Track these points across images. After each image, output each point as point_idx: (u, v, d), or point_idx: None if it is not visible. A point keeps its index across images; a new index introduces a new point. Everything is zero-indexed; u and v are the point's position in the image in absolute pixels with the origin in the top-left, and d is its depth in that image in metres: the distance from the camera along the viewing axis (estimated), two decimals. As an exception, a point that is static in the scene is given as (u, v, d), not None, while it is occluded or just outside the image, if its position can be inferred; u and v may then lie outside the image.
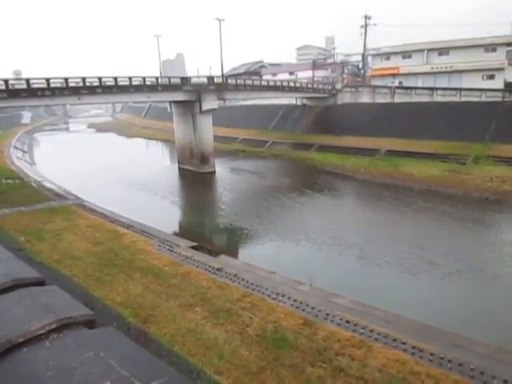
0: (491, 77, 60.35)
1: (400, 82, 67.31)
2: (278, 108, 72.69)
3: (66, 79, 38.25)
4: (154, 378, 5.25)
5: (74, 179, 42.52)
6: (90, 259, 18.61)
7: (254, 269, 18.49)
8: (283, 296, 15.37)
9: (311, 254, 23.43)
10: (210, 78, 50.18)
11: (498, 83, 58.55)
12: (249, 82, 57.08)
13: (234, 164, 55.06)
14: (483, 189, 35.69)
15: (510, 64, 61.51)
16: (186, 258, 19.26)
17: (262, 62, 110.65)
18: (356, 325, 13.44)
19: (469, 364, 11.53)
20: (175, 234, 26.58)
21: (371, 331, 13.10)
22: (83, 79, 39.35)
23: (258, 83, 59.16)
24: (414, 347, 12.28)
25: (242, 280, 16.81)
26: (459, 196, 35.14)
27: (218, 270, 17.75)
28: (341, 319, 13.79)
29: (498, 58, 60.38)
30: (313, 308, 14.49)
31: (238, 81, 56.16)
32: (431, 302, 17.85)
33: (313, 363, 11.22)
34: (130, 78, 42.92)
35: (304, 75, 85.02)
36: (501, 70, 60.25)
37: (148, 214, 30.05)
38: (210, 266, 18.16)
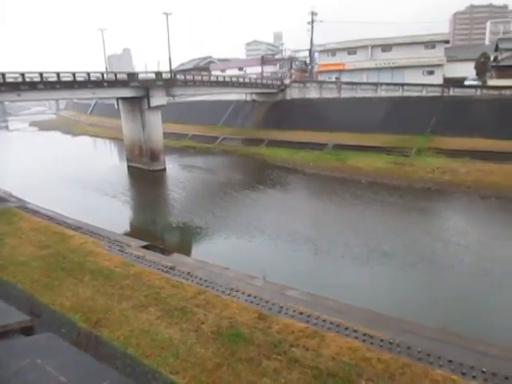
0: (431, 72, 63.32)
1: (337, 78, 69.26)
2: (228, 104, 72.55)
3: (3, 74, 36.09)
4: (95, 382, 5.13)
5: (15, 180, 40.47)
6: (35, 264, 17.82)
7: (207, 266, 18.45)
8: (237, 291, 15.47)
9: (266, 249, 23.65)
10: (158, 74, 49.20)
11: (437, 79, 61.53)
12: (198, 78, 56.51)
13: (184, 161, 54.46)
14: (426, 180, 37.49)
15: (448, 61, 64.76)
16: (138, 257, 18.90)
17: (210, 57, 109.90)
18: (309, 316, 13.77)
19: (416, 347, 12.15)
20: (126, 234, 25.97)
21: (324, 321, 13.47)
22: (22, 74, 37.27)
23: (207, 79, 58.72)
24: (365, 334, 12.76)
25: (196, 277, 16.73)
26: (404, 187, 36.68)
27: (170, 268, 17.57)
28: (294, 311, 14.08)
29: (437, 54, 63.43)
30: (267, 302, 14.69)
31: (187, 76, 55.51)
32: (386, 292, 18.51)
33: (268, 356, 11.40)
34: (74, 74, 41.18)
35: (253, 71, 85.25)
36: (440, 66, 63.33)
37: (97, 214, 29.17)
38: (162, 265, 17.93)
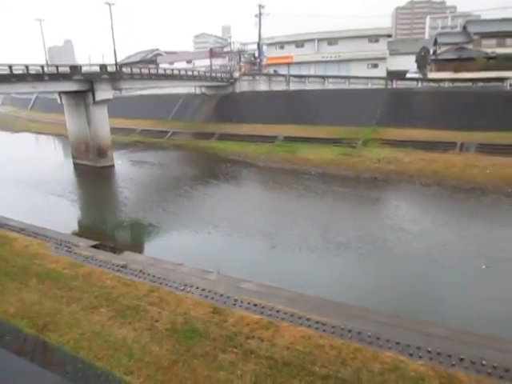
0: (375, 66, 65.33)
1: (275, 71, 70.17)
2: (177, 97, 71.47)
3: None
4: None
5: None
6: (-26, 270, 16.87)
7: (160, 262, 18.21)
8: (191, 287, 15.41)
9: (221, 244, 23.56)
10: (103, 67, 47.56)
11: (381, 71, 63.59)
12: (145, 71, 55.16)
13: (134, 156, 53.15)
14: (372, 169, 38.81)
15: (391, 54, 67.06)
16: (87, 258, 18.35)
17: (157, 49, 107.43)
18: (263, 307, 13.97)
19: (366, 331, 12.65)
20: (75, 234, 25.09)
21: (278, 311, 13.72)
22: (-49, 67, 34.89)
23: (155, 72, 57.48)
24: (317, 322, 13.13)
25: (149, 275, 16.50)
26: (352, 177, 37.80)
27: (122, 267, 17.21)
28: (249, 303, 14.23)
29: (381, 48, 65.49)
30: (221, 295, 14.75)
31: (134, 69, 54.02)
32: (340, 280, 18.99)
33: (224, 350, 11.48)
34: (11, 66, 38.87)
35: (202, 64, 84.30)
36: (383, 59, 65.45)
37: (43, 214, 27.96)
38: (113, 264, 17.52)
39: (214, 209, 29.97)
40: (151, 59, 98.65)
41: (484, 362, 11.22)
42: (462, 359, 11.38)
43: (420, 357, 11.52)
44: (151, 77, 55.01)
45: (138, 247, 23.06)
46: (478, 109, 44.87)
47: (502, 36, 58.88)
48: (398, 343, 12.11)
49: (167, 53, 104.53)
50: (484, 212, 28.37)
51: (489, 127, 41.72)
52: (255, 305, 14.09)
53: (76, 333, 12.17)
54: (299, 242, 23.19)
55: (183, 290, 15.21)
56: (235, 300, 14.44)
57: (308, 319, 13.24)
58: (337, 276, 19.58)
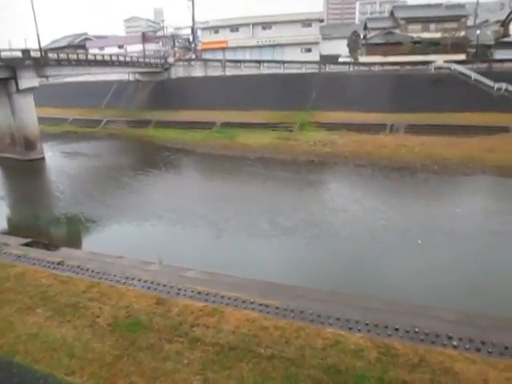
0: (309, 50, 66.35)
1: (197, 56, 69.82)
2: (109, 84, 68.63)
3: None
4: None
5: None
6: None
7: (99, 257, 17.65)
8: (133, 279, 15.12)
9: (164, 234, 23.16)
10: (26, 52, 44.39)
11: (314, 56, 64.73)
12: (73, 57, 52.15)
13: (66, 147, 50.63)
14: (309, 152, 39.76)
15: (323, 39, 68.36)
16: (19, 256, 17.38)
17: (86, 34, 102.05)
18: (208, 294, 14.03)
19: (308, 310, 13.10)
20: (3, 232, 23.61)
21: (222, 297, 13.84)
22: None
23: (84, 57, 54.58)
24: (261, 305, 13.40)
25: (87, 270, 15.96)
26: (290, 161, 38.52)
27: (58, 264, 16.49)
28: (193, 291, 14.22)
29: (313, 32, 66.53)
30: (164, 286, 14.61)
31: (61, 55, 50.83)
32: (286, 263, 19.23)
33: (169, 340, 11.42)
34: None
35: (134, 49, 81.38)
36: (316, 44, 66.60)
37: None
38: (48, 262, 16.73)
39: (155, 199, 29.33)
40: (79, 44, 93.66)
41: (417, 330, 12.03)
42: (397, 329, 12.13)
43: (359, 330, 12.14)
44: (80, 63, 52.26)
45: (75, 243, 22.16)
46: (406, 91, 47.21)
47: (426, 21, 61.93)
48: (338, 319, 12.67)
49: (96, 37, 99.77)
50: (416, 189, 30.09)
51: (416, 109, 44.11)
52: (199, 292, 14.11)
53: (10, 337, 11.56)
54: (245, 228, 23.16)
55: (125, 283, 14.88)
56: (179, 289, 14.37)
57: (252, 303, 13.48)
58: (285, 261, 19.69)
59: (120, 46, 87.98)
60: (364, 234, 21.85)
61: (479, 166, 33.42)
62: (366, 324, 12.40)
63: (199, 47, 76.40)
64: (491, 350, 11.19)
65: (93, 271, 15.87)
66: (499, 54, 56.03)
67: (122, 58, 58.18)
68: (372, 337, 11.74)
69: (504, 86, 45.13)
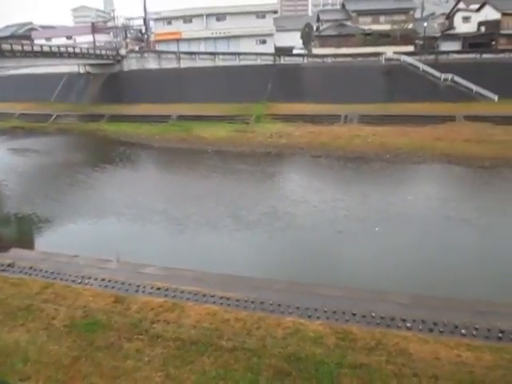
0: (263, 42, 66.37)
1: (141, 48, 68.90)
2: (59, 77, 65.88)
3: None
4: None
5: None
6: None
7: (53, 256, 17.08)
8: (89, 278, 14.77)
9: (122, 231, 22.56)
10: (-36, 43, 41.79)
11: (269, 48, 64.84)
12: (18, 48, 49.25)
13: (14, 144, 48.26)
14: (266, 144, 39.98)
15: (277, 30, 68.56)
16: (-35, 260, 16.55)
17: (31, 23, 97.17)
18: (167, 290, 13.94)
19: (268, 301, 13.29)
20: None
21: (182, 292, 13.80)
22: None
23: (30, 49, 51.85)
24: (222, 298, 13.48)
25: (41, 271, 15.43)
26: (248, 153, 38.58)
27: (8, 265, 15.84)
28: (152, 288, 14.09)
29: (268, 24, 66.55)
30: (123, 283, 14.38)
31: (4, 46, 48.03)
32: (248, 256, 19.18)
33: (129, 338, 11.28)
34: None
35: (84, 40, 78.25)
36: (270, 35, 66.70)
37: None
38: (-2, 264, 16.05)
39: (113, 196, 28.42)
40: (24, 34, 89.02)
41: (373, 314, 12.51)
42: (354, 314, 12.56)
43: (318, 317, 12.46)
44: (26, 54, 49.61)
45: (27, 243, 21.17)
46: (359, 83, 48.30)
47: (376, 14, 63.41)
48: (297, 308, 12.94)
49: (43, 27, 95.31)
50: (371, 178, 30.94)
51: (368, 99, 45.27)
52: (158, 288, 14.00)
53: (-43, 345, 11.05)
54: (207, 223, 22.85)
55: (81, 282, 14.52)
56: (138, 286, 14.20)
57: (212, 296, 13.52)
58: (249, 254, 19.60)
59: (68, 37, 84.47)
60: (325, 224, 22.23)
61: (429, 155, 34.80)
62: (325, 311, 12.75)
63: (152, 39, 74.60)
64: (442, 330, 11.81)
65: (46, 272, 15.37)
66: (445, 46, 58.45)
67: (71, 50, 55.84)
68: (331, 323, 12.08)
69: (450, 76, 47.10)
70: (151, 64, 62.18)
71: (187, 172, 34.06)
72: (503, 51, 51.76)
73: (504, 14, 56.23)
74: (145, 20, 75.17)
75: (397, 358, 10.56)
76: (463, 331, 11.66)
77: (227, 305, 13.08)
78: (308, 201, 25.86)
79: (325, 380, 9.91)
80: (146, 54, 63.87)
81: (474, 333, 11.61)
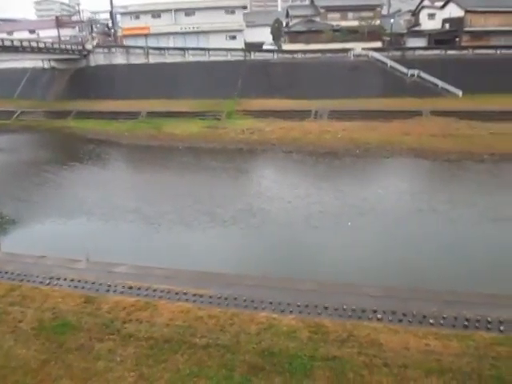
0: (233, 37, 66.02)
1: (118, 42, 67.57)
2: (22, 72, 63.70)
3: None
4: None
5: None
6: None
7: (19, 258, 16.56)
8: (58, 279, 14.41)
9: (92, 230, 21.96)
10: None
11: (239, 43, 64.56)
12: (-24, 42, 47.66)
13: (-26, 142, 46.48)
14: (237, 140, 39.90)
15: (247, 26, 68.33)
16: None
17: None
18: (139, 288, 13.76)
19: (242, 297, 13.31)
20: None
21: (155, 291, 13.65)
22: None
23: (-11, 43, 50.00)
24: (195, 295, 13.40)
25: (6, 273, 14.95)
26: (220, 149, 38.42)
27: (-29, 268, 15.28)
28: (124, 287, 13.88)
29: (237, 19, 66.22)
30: (93, 283, 14.10)
31: (-39, 40, 46.25)
32: (221, 252, 19.04)
33: (101, 338, 11.09)
34: None
35: (48, 34, 75.91)
36: (240, 31, 66.44)
37: None
38: (-41, 267, 15.45)
39: (83, 195, 27.49)
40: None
41: (345, 307, 12.71)
42: (326, 307, 12.72)
43: (291, 312, 12.57)
44: (-15, 49, 47.89)
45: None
46: (328, 78, 48.81)
47: (344, 10, 63.98)
48: (270, 303, 13.01)
49: (3, 20, 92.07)
50: (342, 173, 31.49)
51: (338, 95, 45.78)
52: (130, 287, 13.81)
53: None
54: (182, 222, 22.60)
55: (49, 283, 14.15)
56: (109, 286, 13.95)
57: (185, 293, 13.43)
58: (226, 252, 19.42)
59: (31, 31, 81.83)
60: (300, 220, 22.37)
61: (397, 149, 35.55)
62: (298, 305, 12.86)
63: (119, 33, 73.10)
64: (411, 320, 12.12)
65: (12, 273, 14.91)
66: (411, 42, 59.67)
67: (34, 44, 54.03)
68: (303, 317, 12.21)
69: (416, 72, 48.18)
70: (119, 59, 60.94)
71: (159, 170, 33.63)
72: (466, 48, 53.32)
73: (467, 12, 57.75)
74: (111, 14, 73.63)
75: (368, 349, 10.78)
76: (431, 321, 11.99)
77: (200, 302, 13.02)
78: (283, 197, 25.97)
79: (298, 373, 10.03)
80: (113, 49, 62.51)
81: (442, 322, 11.96)
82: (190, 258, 17.78)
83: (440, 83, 46.95)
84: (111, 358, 10.39)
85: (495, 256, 17.57)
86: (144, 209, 24.36)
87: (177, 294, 13.41)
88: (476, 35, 57.80)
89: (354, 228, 21.11)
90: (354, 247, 19.01)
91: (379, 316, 12.31)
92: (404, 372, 10.06)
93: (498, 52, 51.18)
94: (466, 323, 11.87)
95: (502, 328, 11.61)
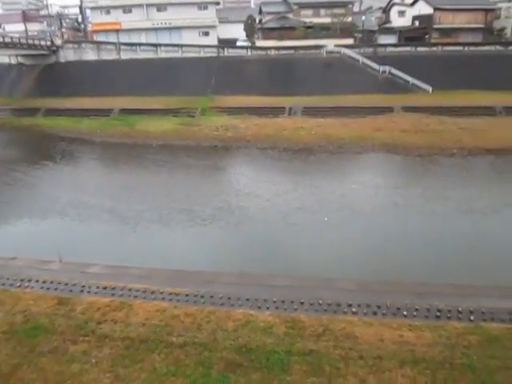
0: (206, 34, 65.51)
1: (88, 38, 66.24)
2: (-14, 68, 61.73)
3: None
4: None
5: None
6: None
7: (-13, 260, 16.11)
8: (30, 281, 14.07)
9: (67, 231, 21.52)
10: None
11: (212, 39, 64.16)
12: None
13: None
14: (212, 138, 39.67)
15: (220, 22, 67.93)
16: None
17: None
18: (114, 288, 13.58)
19: (218, 294, 13.30)
20: None
21: (130, 290, 13.50)
22: None
23: (-49, 38, 48.11)
24: (171, 293, 13.32)
25: (-26, 276, 14.51)
26: (194, 147, 38.13)
27: None
28: (98, 287, 13.67)
29: (210, 15, 65.72)
30: (66, 284, 13.84)
31: None
32: (198, 250, 18.97)
33: (75, 340, 10.91)
34: None
35: (14, 29, 73.77)
36: (213, 27, 66.00)
37: None
38: None
39: (56, 195, 26.81)
40: None
41: (320, 302, 12.87)
42: (302, 303, 12.85)
43: (267, 308, 12.65)
44: None
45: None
46: (302, 75, 49.10)
47: (316, 7, 64.40)
48: (247, 299, 13.06)
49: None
50: (317, 170, 31.69)
51: (311, 92, 46.09)
52: (105, 288, 13.61)
53: None
54: (160, 221, 22.32)
55: (20, 285, 13.81)
56: (82, 286, 13.72)
57: (161, 292, 13.33)
58: (205, 249, 19.30)
59: (-3, 26, 79.38)
60: (279, 217, 22.45)
61: (370, 145, 36.11)
62: (274, 301, 12.95)
63: (90, 28, 71.54)
64: (385, 312, 12.39)
65: (-19, 277, 14.47)
66: (382, 39, 60.57)
67: (0, 39, 52.38)
68: (280, 313, 12.31)
69: (388, 69, 48.93)
70: (90, 55, 59.65)
71: (133, 168, 33.12)
72: (436, 45, 54.43)
73: (436, 9, 59.05)
74: (81, 9, 71.99)
75: (344, 343, 10.96)
76: (405, 312, 12.29)
77: (176, 300, 12.95)
78: (261, 195, 26.00)
79: (276, 368, 10.11)
80: (83, 45, 61.11)
81: (415, 313, 12.27)
82: (168, 257, 17.57)
83: (411, 79, 47.83)
84: (86, 359, 10.23)
85: (467, 248, 18.21)
86: (120, 208, 24.03)
87: (152, 293, 13.29)
88: (445, 32, 59.23)
89: (330, 224, 21.35)
90: (330, 242, 19.24)
91: (354, 310, 12.52)
92: (379, 363, 10.28)
93: (466, 49, 52.41)
94: (438, 314, 12.21)
95: (472, 317, 12.00)
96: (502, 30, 58.69)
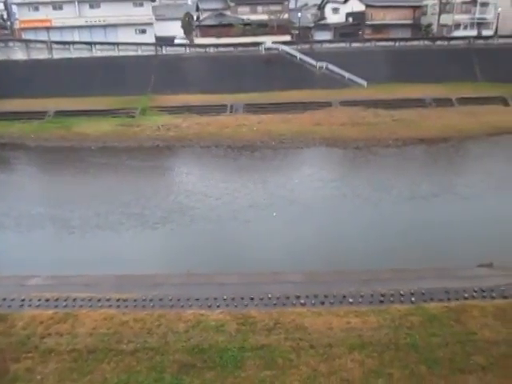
0: (143, 31, 63.94)
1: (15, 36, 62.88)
2: None
3: None
4: None
5: None
6: None
7: None
8: (-38, 299, 13.21)
9: (2, 242, 20.23)
10: None
11: (149, 37, 62.74)
12: None
13: None
14: (154, 138, 38.84)
15: (157, 19, 66.54)
16: None
17: None
18: (57, 299, 13.06)
19: (167, 296, 13.18)
20: None
21: (74, 300, 13.04)
22: None
23: None
24: (118, 300, 13.01)
25: None
26: (136, 148, 37.15)
27: None
28: (40, 300, 13.08)
29: (146, 13, 64.18)
30: (4, 299, 13.11)
31: None
32: (160, 255, 18.89)
33: (17, 358, 10.42)
34: None
35: None
36: (150, 24, 64.53)
37: None
38: None
39: None
40: None
41: (270, 296, 13.12)
42: (252, 298, 13.04)
43: (218, 306, 12.72)
44: None
45: None
46: (242, 72, 49.27)
47: (253, 4, 64.72)
48: (197, 299, 13.06)
49: None
50: (261, 166, 32.10)
51: (252, 88, 46.47)
52: (47, 300, 13.05)
53: None
54: (107, 227, 21.60)
55: (-50, 305, 12.92)
56: (22, 300, 13.07)
57: (108, 299, 13.01)
58: (158, 253, 19.20)
59: None
60: (230, 215, 22.57)
61: (310, 139, 36.98)
62: (224, 299, 13.05)
63: (17, 26, 67.53)
64: (333, 301, 12.87)
65: None
66: (318, 36, 62.20)
67: None
68: (231, 310, 12.42)
69: (325, 64, 50.25)
70: (19, 54, 56.33)
71: (74, 173, 31.44)
72: (369, 40, 56.66)
73: (368, 6, 61.42)
74: (6, 4, 67.84)
75: (294, 334, 11.26)
76: (351, 300, 12.83)
77: (125, 306, 12.69)
78: (211, 194, 25.84)
79: (229, 366, 10.21)
80: (10, 43, 57.60)
81: (360, 300, 12.84)
82: (117, 263, 16.96)
83: (347, 75, 49.46)
84: (30, 377, 9.82)
85: (410, 232, 19.46)
86: (63, 216, 23.04)
87: (99, 300, 12.92)
88: (377, 28, 61.83)
89: (279, 218, 21.80)
90: (284, 237, 19.75)
91: (302, 301, 12.88)
92: (329, 351, 10.68)
93: (397, 44, 55.04)
94: (382, 298, 12.86)
95: (413, 299, 12.75)
96: (429, 25, 61.99)
